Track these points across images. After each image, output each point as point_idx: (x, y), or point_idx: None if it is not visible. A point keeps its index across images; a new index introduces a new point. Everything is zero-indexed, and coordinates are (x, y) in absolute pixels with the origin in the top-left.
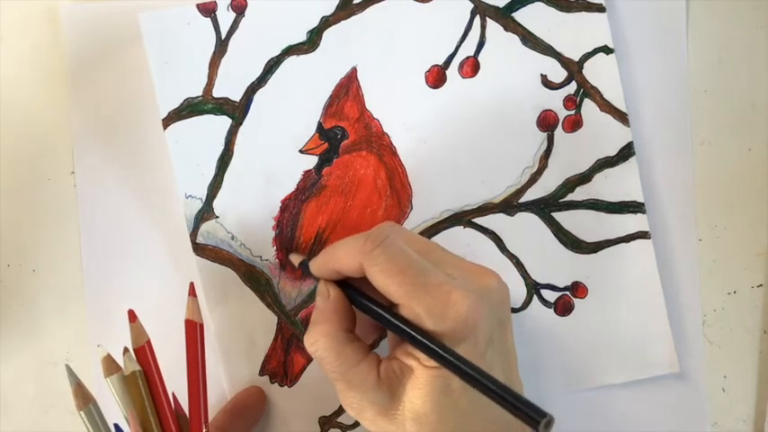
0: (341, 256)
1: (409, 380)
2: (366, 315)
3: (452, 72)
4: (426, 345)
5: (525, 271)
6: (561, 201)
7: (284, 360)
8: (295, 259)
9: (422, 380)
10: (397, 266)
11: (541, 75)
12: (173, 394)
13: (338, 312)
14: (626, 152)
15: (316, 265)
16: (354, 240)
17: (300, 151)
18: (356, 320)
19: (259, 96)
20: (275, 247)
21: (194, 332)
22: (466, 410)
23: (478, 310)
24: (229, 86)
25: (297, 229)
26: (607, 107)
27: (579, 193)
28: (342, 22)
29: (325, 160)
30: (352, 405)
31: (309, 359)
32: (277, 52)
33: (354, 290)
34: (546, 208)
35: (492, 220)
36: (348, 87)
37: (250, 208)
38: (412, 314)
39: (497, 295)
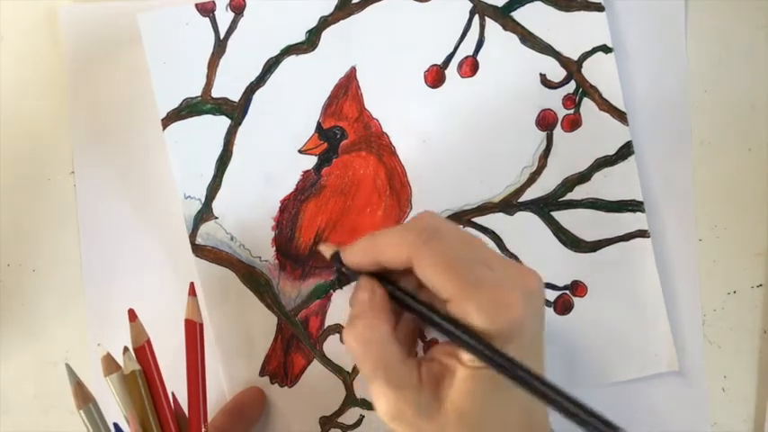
0: (385, 248)
1: (451, 380)
2: (408, 314)
3: (451, 72)
4: (477, 347)
5: None
6: (560, 200)
7: (284, 361)
8: (326, 250)
9: (465, 380)
10: (448, 262)
11: (540, 74)
12: (172, 394)
13: (385, 310)
14: (625, 151)
15: (352, 255)
16: (399, 232)
17: (300, 151)
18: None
19: (258, 96)
20: (275, 248)
21: (194, 332)
22: (506, 405)
23: (527, 312)
24: (228, 86)
25: (296, 229)
26: (606, 106)
27: (578, 192)
28: (341, 21)
29: (324, 160)
30: (388, 407)
31: (310, 360)
32: (276, 52)
33: (394, 286)
34: (545, 207)
35: (491, 220)
36: (347, 87)
37: (249, 208)
38: (462, 311)
39: (540, 297)
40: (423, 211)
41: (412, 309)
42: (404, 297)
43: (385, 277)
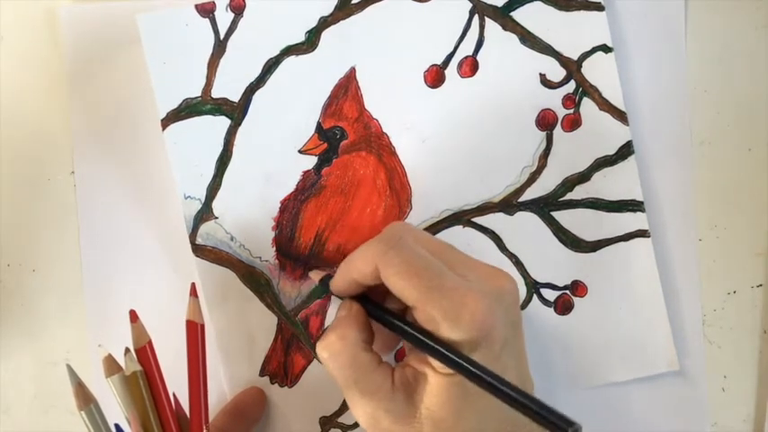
0: (357, 264)
1: (424, 387)
2: (383, 328)
3: (451, 71)
4: (445, 355)
5: (525, 270)
6: (560, 200)
7: (284, 361)
8: (316, 276)
9: (437, 386)
10: (413, 269)
11: (540, 74)
12: (173, 394)
13: (358, 322)
14: (625, 151)
15: (334, 282)
16: (368, 245)
17: (300, 151)
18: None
19: (258, 97)
20: (275, 248)
21: (195, 333)
22: (482, 412)
23: (493, 314)
24: (228, 87)
25: (296, 229)
26: (606, 106)
27: (578, 192)
28: (340, 22)
29: (324, 160)
30: (365, 415)
31: (310, 360)
32: (276, 52)
33: (371, 303)
34: (545, 207)
35: (491, 220)
36: (347, 87)
37: (249, 208)
38: (427, 318)
39: (510, 297)
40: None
41: (384, 322)
42: (376, 312)
43: (369, 298)
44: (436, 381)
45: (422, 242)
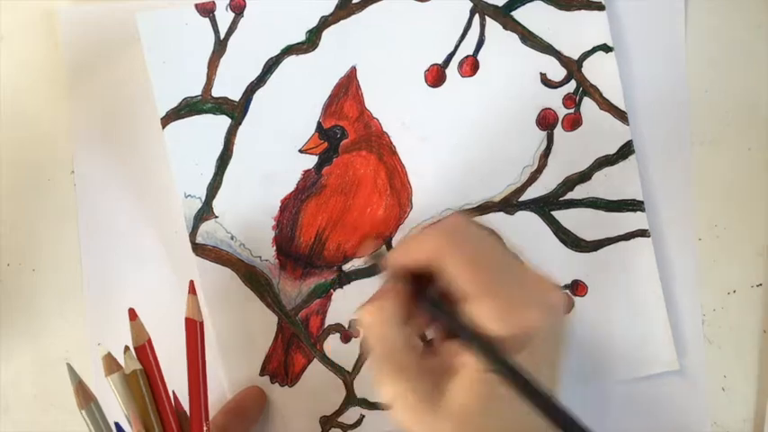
0: (415, 247)
1: (456, 378)
2: (416, 318)
3: (452, 71)
4: (490, 350)
5: None
6: (561, 199)
7: (285, 360)
8: (370, 245)
9: (469, 381)
10: (474, 260)
11: (541, 73)
12: (173, 393)
13: (401, 298)
14: (625, 150)
15: (391, 258)
16: (428, 233)
17: (300, 151)
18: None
19: (258, 96)
20: (275, 247)
21: (194, 330)
22: (507, 413)
23: (543, 324)
24: (228, 86)
25: (297, 228)
26: (606, 105)
27: (579, 192)
28: (341, 21)
29: (324, 160)
30: (391, 391)
31: (310, 359)
32: (276, 52)
33: (419, 286)
34: (546, 206)
35: (492, 219)
36: (347, 87)
37: (249, 208)
38: (477, 311)
39: (559, 314)
40: (451, 212)
41: (431, 308)
42: (425, 296)
43: (418, 282)
44: (469, 375)
45: (485, 237)
